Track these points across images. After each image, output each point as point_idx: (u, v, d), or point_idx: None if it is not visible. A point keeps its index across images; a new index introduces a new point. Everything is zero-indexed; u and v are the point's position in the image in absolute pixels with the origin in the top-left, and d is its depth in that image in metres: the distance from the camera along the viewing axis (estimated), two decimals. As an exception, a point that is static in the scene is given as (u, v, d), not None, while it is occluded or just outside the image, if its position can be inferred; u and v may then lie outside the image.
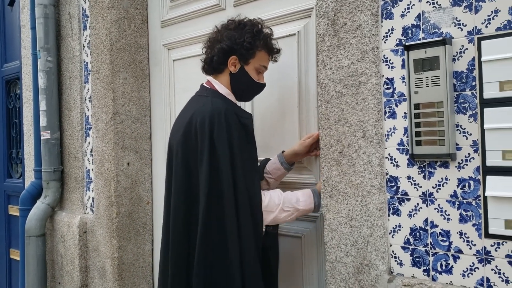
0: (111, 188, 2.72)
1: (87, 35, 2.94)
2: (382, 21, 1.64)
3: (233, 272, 1.72)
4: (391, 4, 1.62)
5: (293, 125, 2.12)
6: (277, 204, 1.82)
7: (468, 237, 1.47)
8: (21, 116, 3.62)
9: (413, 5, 1.57)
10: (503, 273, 1.41)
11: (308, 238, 2.10)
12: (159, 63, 2.75)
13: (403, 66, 1.60)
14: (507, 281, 1.40)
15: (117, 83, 2.73)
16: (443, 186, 1.52)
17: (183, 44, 2.60)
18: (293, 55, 2.07)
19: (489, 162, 1.42)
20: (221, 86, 1.91)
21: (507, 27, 1.38)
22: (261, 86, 1.97)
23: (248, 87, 1.94)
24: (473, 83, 1.45)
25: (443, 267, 1.53)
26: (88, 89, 2.93)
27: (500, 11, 1.39)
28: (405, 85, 1.59)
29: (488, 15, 1.41)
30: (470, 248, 1.47)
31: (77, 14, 2.98)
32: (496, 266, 1.42)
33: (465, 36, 1.46)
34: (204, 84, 1.96)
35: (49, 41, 3.03)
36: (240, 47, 1.86)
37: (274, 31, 1.98)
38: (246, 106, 2.25)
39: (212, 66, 1.92)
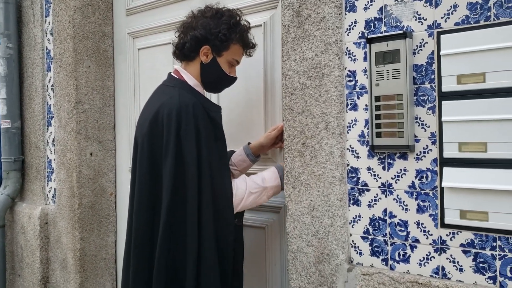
0: (73, 179, 2.67)
1: (49, 22, 2.87)
2: (345, 14, 1.66)
3: (189, 268, 1.71)
4: (354, -4, 1.63)
5: (259, 117, 2.12)
6: (244, 189, 1.80)
7: (425, 227, 1.51)
8: (-20, 104, 3.50)
9: (376, -2, 1.59)
10: (457, 262, 1.45)
11: (271, 228, 2.11)
12: (124, 52, 2.70)
13: (365, 59, 1.62)
14: (461, 270, 1.44)
15: (80, 72, 2.67)
16: (401, 177, 1.55)
17: (149, 32, 2.56)
18: (259, 46, 2.07)
19: (446, 154, 1.45)
20: (190, 77, 1.86)
21: (465, 22, 1.41)
22: (232, 80, 1.93)
23: (218, 79, 1.90)
24: (432, 76, 1.48)
25: (401, 256, 1.56)
26: (51, 77, 2.86)
27: (459, 6, 1.42)
28: (367, 77, 1.61)
29: (448, 10, 1.44)
30: (427, 238, 1.50)
31: (39, 0, 2.90)
32: (451, 255, 1.46)
33: (425, 30, 1.49)
34: (172, 74, 1.91)
35: (9, 27, 2.94)
36: (214, 38, 1.81)
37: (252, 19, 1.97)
38: (212, 97, 2.24)
39: (183, 52, 1.87)
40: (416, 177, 1.52)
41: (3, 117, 2.95)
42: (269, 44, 2.06)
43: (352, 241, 1.66)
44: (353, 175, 1.65)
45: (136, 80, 2.63)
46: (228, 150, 2.08)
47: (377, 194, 1.60)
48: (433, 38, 1.47)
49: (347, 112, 1.66)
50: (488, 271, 1.40)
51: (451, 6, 1.44)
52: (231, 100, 2.21)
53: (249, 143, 2.05)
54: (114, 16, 2.76)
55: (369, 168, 1.62)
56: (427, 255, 1.51)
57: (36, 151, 2.94)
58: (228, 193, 1.77)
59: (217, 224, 1.75)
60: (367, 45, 1.57)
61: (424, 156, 1.50)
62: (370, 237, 1.62)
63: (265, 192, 1.85)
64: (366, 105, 1.61)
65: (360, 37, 1.63)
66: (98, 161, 2.74)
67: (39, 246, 2.85)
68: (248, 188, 1.81)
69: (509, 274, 1.36)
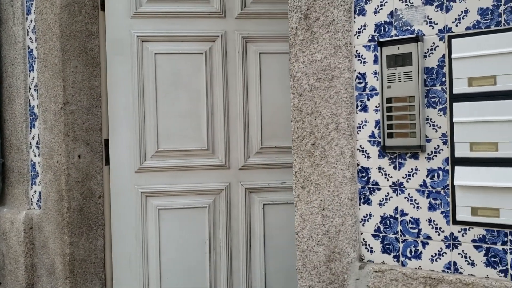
0: (62, 182, 2.59)
1: (31, 20, 2.77)
2: (355, 17, 1.69)
3: None
4: (364, 0, 1.67)
5: None
6: None
7: (437, 224, 1.56)
8: (-48, 105, 3.35)
9: (386, 2, 1.63)
10: (469, 257, 1.51)
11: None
12: (126, 53, 2.63)
13: (375, 62, 1.66)
14: (472, 264, 1.50)
15: (67, 72, 2.60)
16: (413, 176, 1.60)
17: (168, 39, 2.59)
18: None
19: (458, 154, 1.51)
20: None
21: (476, 26, 1.47)
22: None
23: None
24: (443, 79, 1.53)
25: (413, 253, 1.61)
26: (34, 77, 2.76)
27: (469, 11, 1.48)
28: (377, 79, 1.65)
29: (458, 15, 1.50)
30: (439, 235, 1.56)
31: (20, -3, 2.81)
32: (463, 251, 1.52)
33: (436, 34, 1.54)
34: None
35: (-12, 25, 2.83)
36: None
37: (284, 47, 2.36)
38: (251, 101, 2.45)
39: None
40: (427, 176, 1.57)
41: (-18, 119, 2.83)
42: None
43: (363, 239, 1.70)
44: (364, 174, 1.69)
45: (149, 83, 2.61)
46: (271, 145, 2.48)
47: (388, 193, 1.65)
48: (444, 42, 1.53)
49: (357, 113, 1.70)
50: (499, 265, 1.46)
51: (462, 11, 1.50)
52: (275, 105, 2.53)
53: None
54: (107, 16, 2.69)
55: (379, 168, 1.66)
56: (439, 251, 1.57)
57: (18, 153, 2.84)
58: None
59: None
60: (379, 48, 1.61)
61: (436, 156, 1.56)
62: (381, 235, 1.67)
63: None
64: (376, 107, 1.66)
65: (370, 40, 1.67)
66: (86, 163, 2.68)
67: (23, 252, 2.75)
68: None
69: (520, 267, 1.44)
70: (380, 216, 1.67)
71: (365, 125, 1.68)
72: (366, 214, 1.69)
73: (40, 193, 2.76)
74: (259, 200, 2.61)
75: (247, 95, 2.58)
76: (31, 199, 2.82)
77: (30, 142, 2.81)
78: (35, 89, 2.76)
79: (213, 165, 2.61)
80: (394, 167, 1.63)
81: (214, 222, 2.62)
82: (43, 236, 2.71)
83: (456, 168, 1.52)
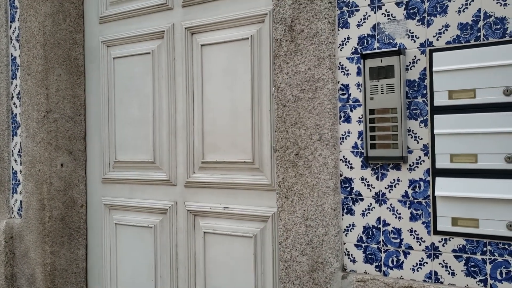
0: (44, 191, 2.57)
1: (15, 28, 2.76)
2: (338, 30, 1.72)
3: None
4: (347, 13, 1.70)
5: (245, 127, 2.13)
6: None
7: (418, 234, 1.59)
8: None
9: (369, 16, 1.66)
10: (449, 267, 1.53)
11: (259, 237, 2.12)
12: (96, 60, 2.64)
13: (358, 73, 1.69)
14: (453, 274, 1.53)
15: (51, 80, 2.59)
16: (395, 187, 1.62)
17: (125, 41, 2.52)
18: (246, 58, 2.10)
19: (438, 165, 1.54)
20: None
21: (456, 41, 1.51)
22: None
23: None
24: (425, 91, 1.56)
25: (394, 263, 1.63)
26: (17, 85, 2.74)
27: (450, 26, 1.52)
28: (360, 91, 1.68)
29: (439, 29, 1.54)
30: (420, 244, 1.58)
31: (4, 4, 2.79)
32: (443, 260, 1.54)
33: (418, 47, 1.58)
34: None
35: (-30, 32, 2.80)
36: None
37: (226, 34, 2.03)
38: (196, 106, 2.25)
39: None
40: (409, 186, 1.60)
41: (-38, 126, 2.80)
42: (257, 56, 2.09)
43: (346, 249, 1.72)
44: (347, 185, 1.71)
45: (111, 89, 2.57)
46: (214, 158, 2.10)
47: (370, 203, 1.67)
48: (425, 55, 1.56)
49: (340, 124, 1.72)
50: (479, 275, 1.49)
51: (442, 26, 1.53)
52: (217, 110, 2.21)
53: None
54: (85, 24, 2.69)
55: (362, 178, 1.68)
56: (420, 260, 1.59)
57: (0, 162, 2.81)
58: None
59: None
60: (362, 60, 1.64)
61: (417, 167, 1.58)
62: (363, 245, 1.69)
63: None
64: (359, 118, 1.68)
65: (353, 53, 1.70)
66: (68, 172, 2.66)
67: (3, 262, 2.71)
68: None
69: (499, 277, 1.46)
70: (363, 226, 1.69)
71: (348, 136, 1.71)
72: (349, 224, 1.71)
73: (21, 202, 2.73)
74: (202, 227, 2.22)
75: (193, 98, 2.25)
76: (12, 208, 2.79)
77: (12, 151, 2.78)
78: (17, 97, 2.74)
79: (160, 180, 2.39)
80: (377, 178, 1.66)
81: (160, 246, 2.39)
82: (24, 246, 2.67)
83: (437, 179, 1.54)
